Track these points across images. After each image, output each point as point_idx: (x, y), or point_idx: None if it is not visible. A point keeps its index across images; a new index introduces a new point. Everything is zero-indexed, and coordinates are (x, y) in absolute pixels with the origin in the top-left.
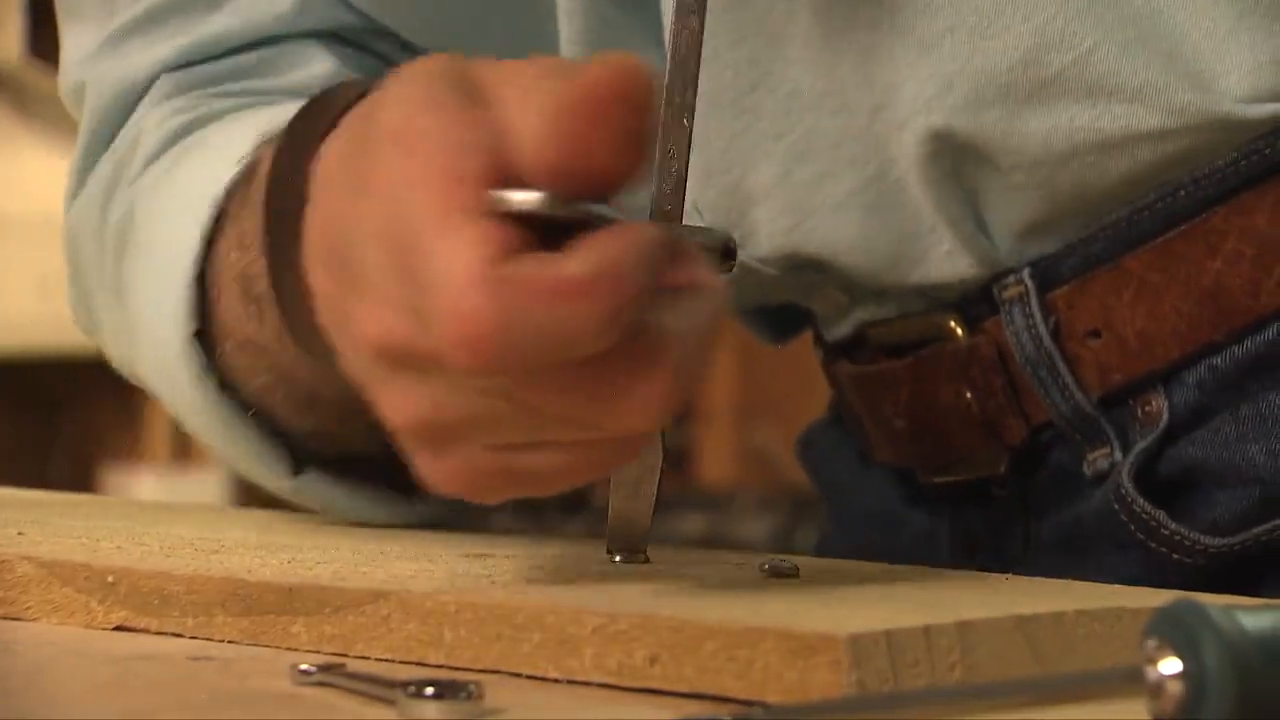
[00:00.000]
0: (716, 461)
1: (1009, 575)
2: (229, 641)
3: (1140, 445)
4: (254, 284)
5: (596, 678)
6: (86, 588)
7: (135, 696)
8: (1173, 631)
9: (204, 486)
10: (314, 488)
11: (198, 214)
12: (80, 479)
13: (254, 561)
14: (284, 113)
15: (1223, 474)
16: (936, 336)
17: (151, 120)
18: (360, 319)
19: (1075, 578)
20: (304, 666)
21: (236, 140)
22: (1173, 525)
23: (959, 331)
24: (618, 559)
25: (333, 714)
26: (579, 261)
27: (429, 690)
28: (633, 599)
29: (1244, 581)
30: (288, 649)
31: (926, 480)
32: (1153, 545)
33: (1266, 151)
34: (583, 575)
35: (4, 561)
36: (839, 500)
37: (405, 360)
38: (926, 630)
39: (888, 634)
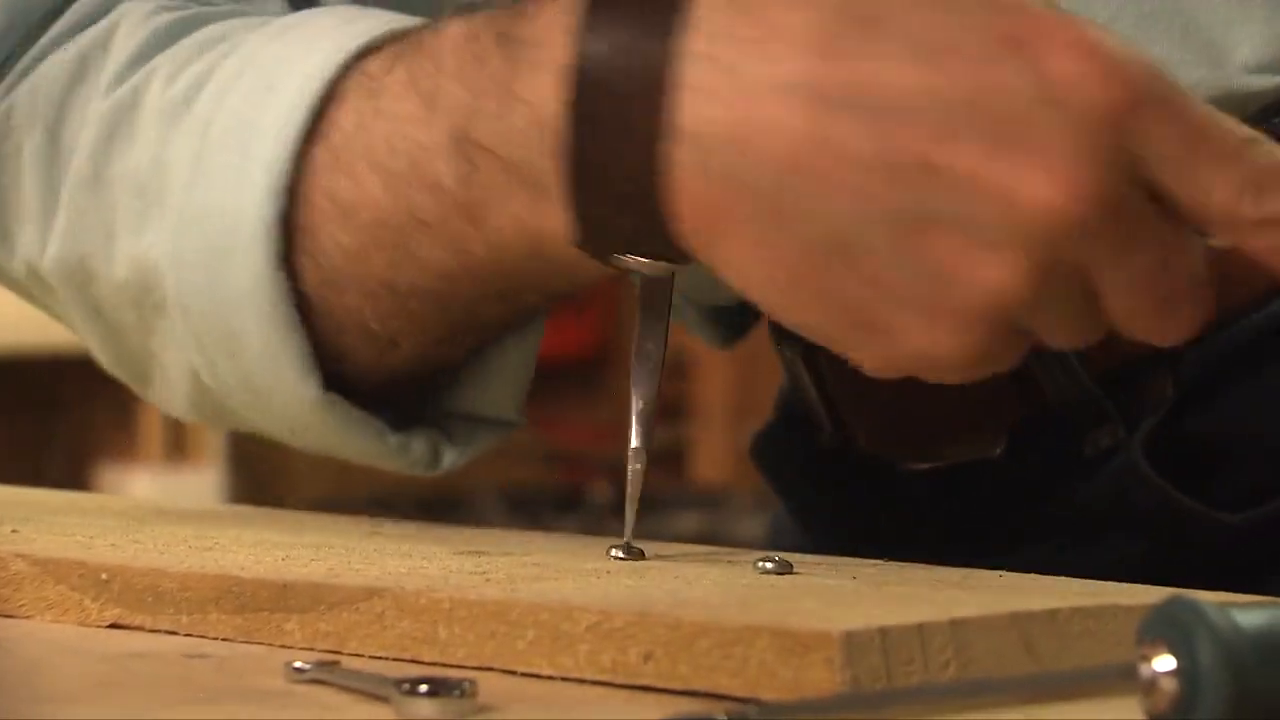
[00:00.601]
0: (711, 460)
1: (1003, 572)
2: (223, 639)
3: (1149, 421)
4: (468, 160)
5: (591, 675)
6: (80, 585)
7: (129, 694)
8: (1167, 629)
9: (199, 485)
10: (336, 410)
11: (310, 83)
12: (75, 478)
13: (248, 559)
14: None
15: (1241, 446)
16: None
17: (133, 13)
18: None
19: (1071, 568)
20: (298, 664)
21: (329, 30)
22: (1189, 502)
23: None
24: (617, 554)
25: (327, 712)
26: None
27: (423, 688)
28: (627, 596)
29: (1256, 565)
30: (282, 646)
31: (908, 469)
32: (1166, 525)
33: (1275, 120)
34: (577, 572)
35: None
36: (799, 503)
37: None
38: (920, 628)
39: (882, 631)
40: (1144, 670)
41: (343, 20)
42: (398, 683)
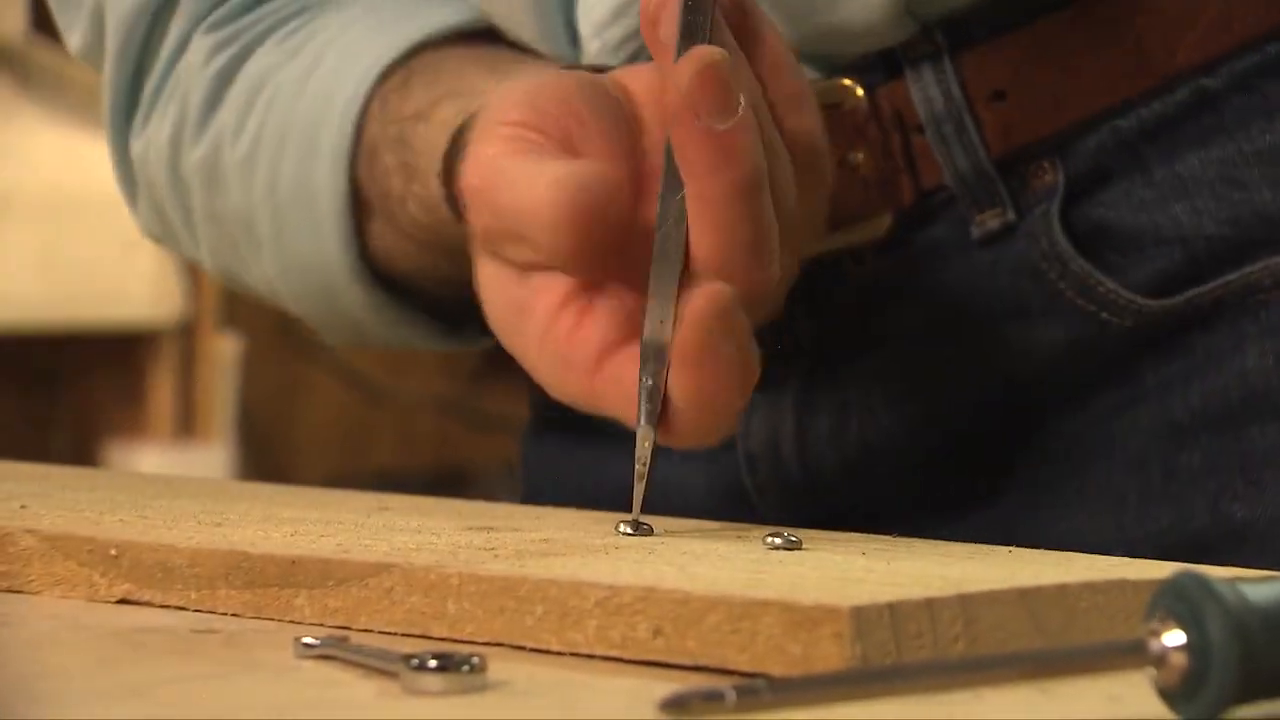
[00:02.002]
0: None
1: (1012, 548)
2: (232, 614)
3: (1041, 208)
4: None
5: (599, 650)
6: (90, 561)
7: (138, 669)
8: (1176, 604)
9: (207, 462)
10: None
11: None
12: (83, 455)
13: (257, 534)
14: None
15: (1140, 235)
16: (828, 101)
17: (195, 58)
18: None
19: (974, 363)
20: (307, 639)
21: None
22: (1110, 283)
23: (858, 91)
24: (626, 529)
25: (336, 687)
26: None
27: (432, 663)
28: (636, 572)
29: (1172, 346)
30: (291, 622)
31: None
32: (1083, 305)
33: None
34: (585, 548)
35: (7, 534)
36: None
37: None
38: (929, 603)
39: (891, 606)
40: (1153, 645)
41: (353, 53)
42: (406, 658)
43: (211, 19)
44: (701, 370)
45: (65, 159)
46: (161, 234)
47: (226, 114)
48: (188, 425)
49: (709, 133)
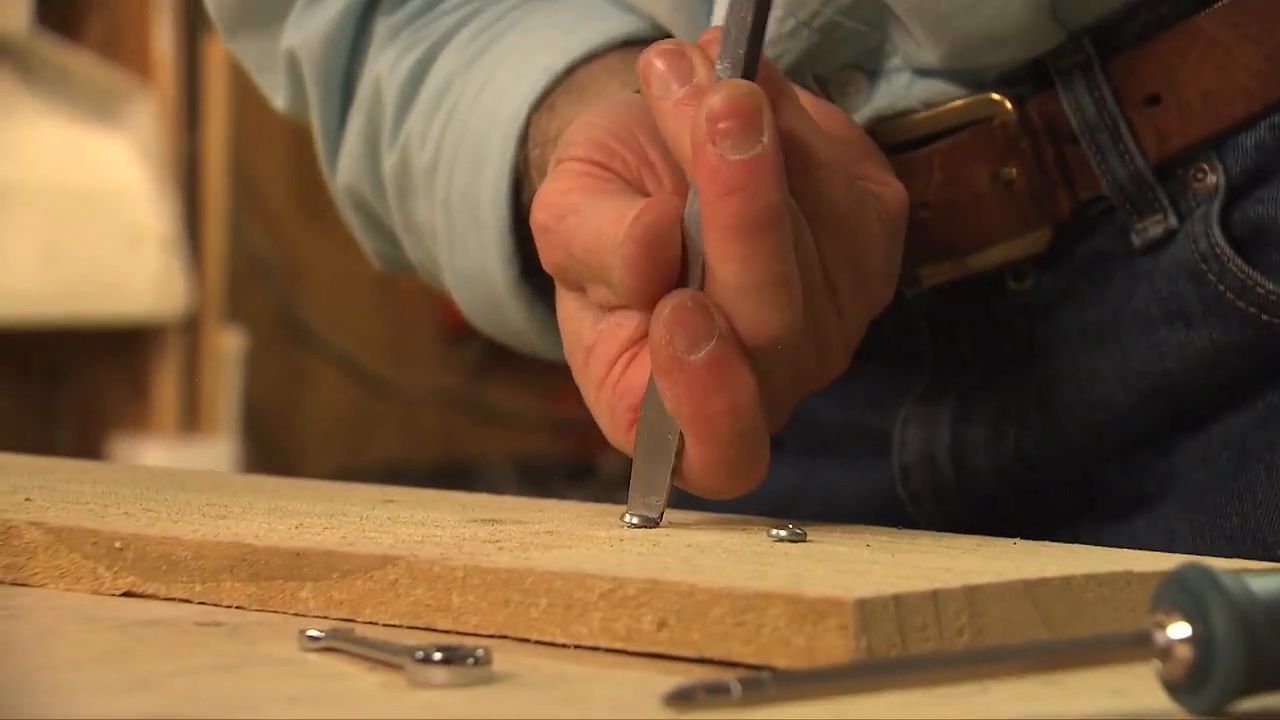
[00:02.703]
0: None
1: (1018, 540)
2: (237, 607)
3: (1201, 210)
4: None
5: (604, 643)
6: (94, 553)
7: (143, 662)
8: (1181, 596)
9: (212, 456)
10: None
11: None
12: (87, 450)
13: (261, 527)
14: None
15: None
16: (978, 116)
17: (383, 66)
18: None
19: (1107, 368)
20: (312, 632)
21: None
22: (1269, 284)
23: (1007, 105)
24: (632, 520)
25: (340, 679)
26: None
27: (437, 655)
28: (640, 564)
29: None
30: (295, 614)
31: (928, 281)
32: (1243, 306)
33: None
34: (590, 540)
35: (12, 527)
36: None
37: None
38: (935, 595)
39: (896, 598)
40: (1159, 637)
41: (521, 69)
42: (411, 650)
43: (391, 21)
44: (675, 385)
45: (69, 153)
46: (392, 256)
47: (415, 120)
48: (192, 419)
49: (722, 160)
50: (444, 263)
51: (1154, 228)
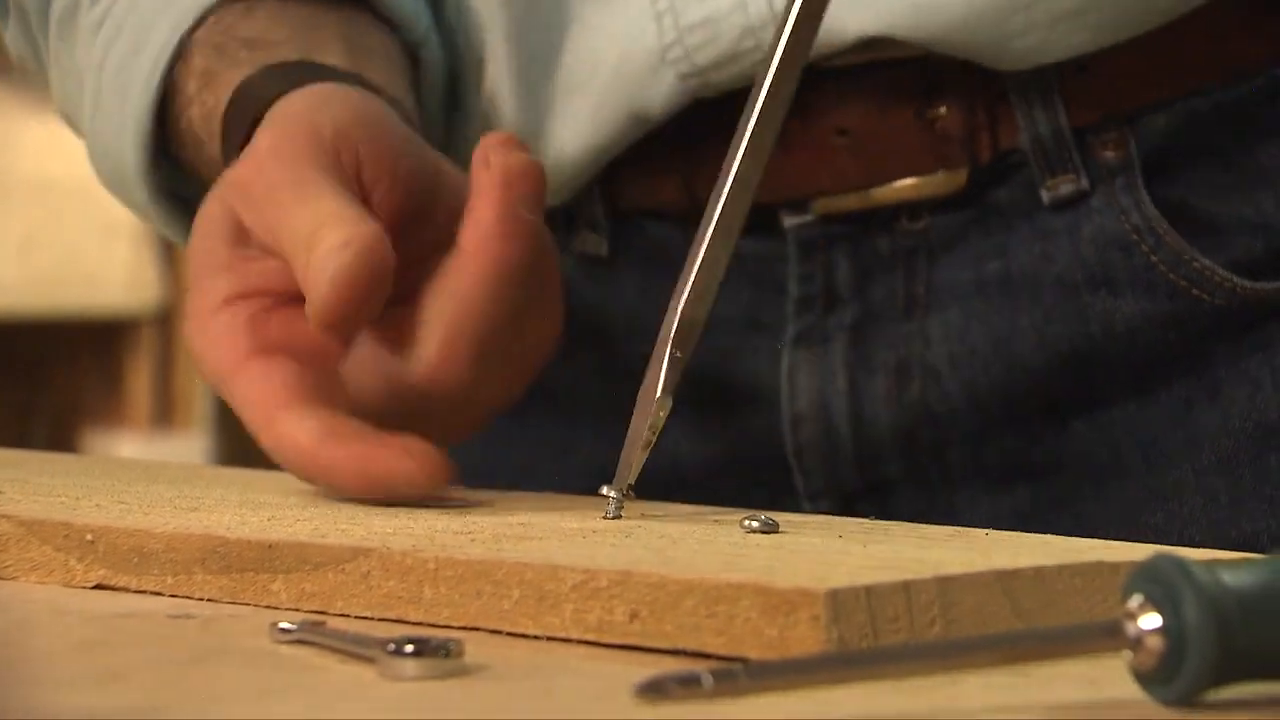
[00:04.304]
0: None
1: (989, 531)
2: (208, 599)
3: (1121, 180)
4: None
5: (576, 634)
6: (65, 546)
7: (114, 654)
8: (1152, 586)
9: (185, 450)
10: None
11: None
12: (61, 442)
13: (233, 519)
14: None
15: (1225, 220)
16: (915, 54)
17: None
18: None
19: (1022, 328)
20: (284, 624)
21: None
22: (1204, 259)
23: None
24: (609, 494)
25: (312, 672)
26: None
27: (409, 647)
28: (612, 555)
29: (1260, 338)
30: (267, 607)
31: (819, 210)
32: (1175, 279)
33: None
34: (563, 532)
35: None
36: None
37: None
38: (906, 586)
39: (868, 589)
40: (1130, 628)
41: None
42: (383, 642)
43: None
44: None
45: (47, 146)
46: (29, 56)
47: None
48: (166, 413)
49: (517, 211)
50: (85, 120)
51: (1065, 186)
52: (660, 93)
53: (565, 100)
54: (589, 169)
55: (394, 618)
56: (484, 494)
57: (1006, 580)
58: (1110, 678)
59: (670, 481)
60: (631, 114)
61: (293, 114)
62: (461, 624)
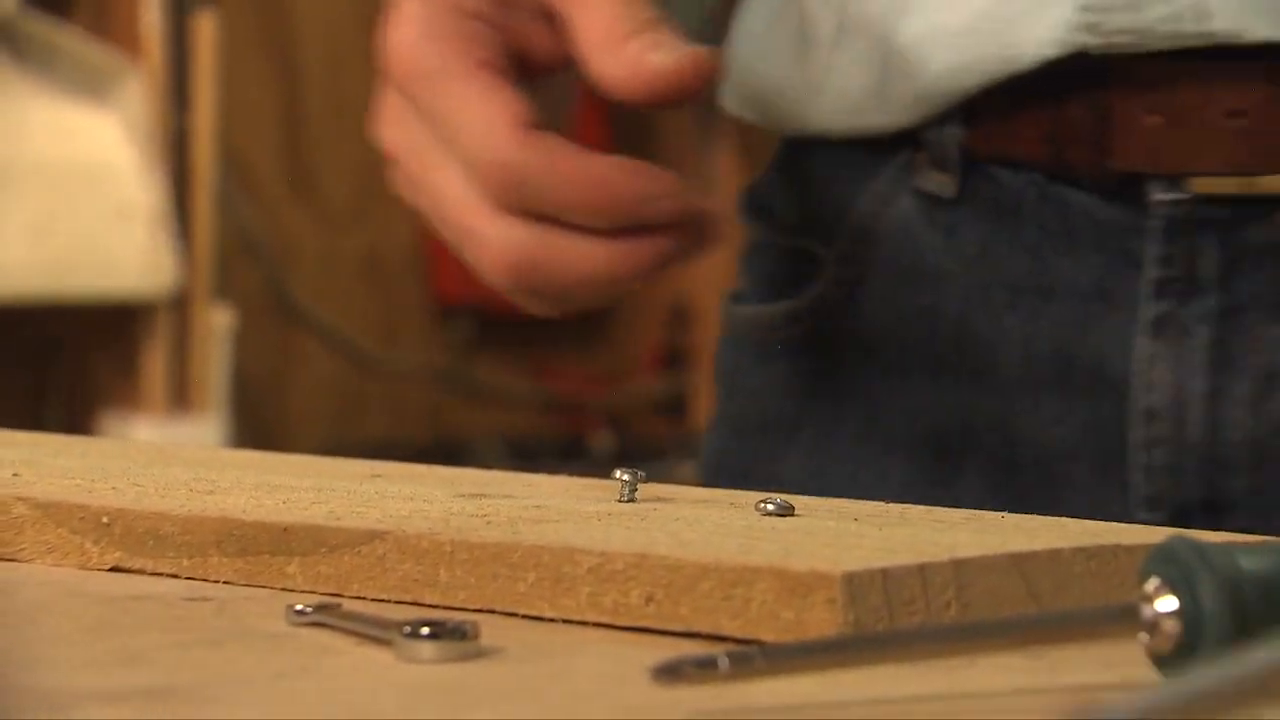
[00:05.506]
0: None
1: (1005, 514)
2: (224, 582)
3: None
4: None
5: (592, 617)
6: (81, 529)
7: (130, 636)
8: (1169, 569)
9: (201, 434)
10: None
11: None
12: (76, 427)
13: (249, 502)
14: None
15: None
16: None
17: None
18: None
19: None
20: (299, 607)
21: None
22: None
23: None
24: (623, 477)
25: (328, 654)
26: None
27: (425, 630)
28: (628, 538)
29: None
30: (283, 589)
31: (1200, 189)
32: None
33: None
34: (578, 515)
35: None
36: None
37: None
38: (922, 568)
39: (884, 572)
40: (1146, 611)
41: None
42: (399, 625)
43: None
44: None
45: (58, 130)
46: None
47: None
48: (181, 397)
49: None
50: None
51: None
52: (1045, 25)
53: (939, 4)
54: (945, 95)
55: (410, 600)
56: (499, 476)
57: (1022, 563)
58: (1126, 661)
59: (999, 448)
60: (1002, 47)
61: None
62: (477, 606)
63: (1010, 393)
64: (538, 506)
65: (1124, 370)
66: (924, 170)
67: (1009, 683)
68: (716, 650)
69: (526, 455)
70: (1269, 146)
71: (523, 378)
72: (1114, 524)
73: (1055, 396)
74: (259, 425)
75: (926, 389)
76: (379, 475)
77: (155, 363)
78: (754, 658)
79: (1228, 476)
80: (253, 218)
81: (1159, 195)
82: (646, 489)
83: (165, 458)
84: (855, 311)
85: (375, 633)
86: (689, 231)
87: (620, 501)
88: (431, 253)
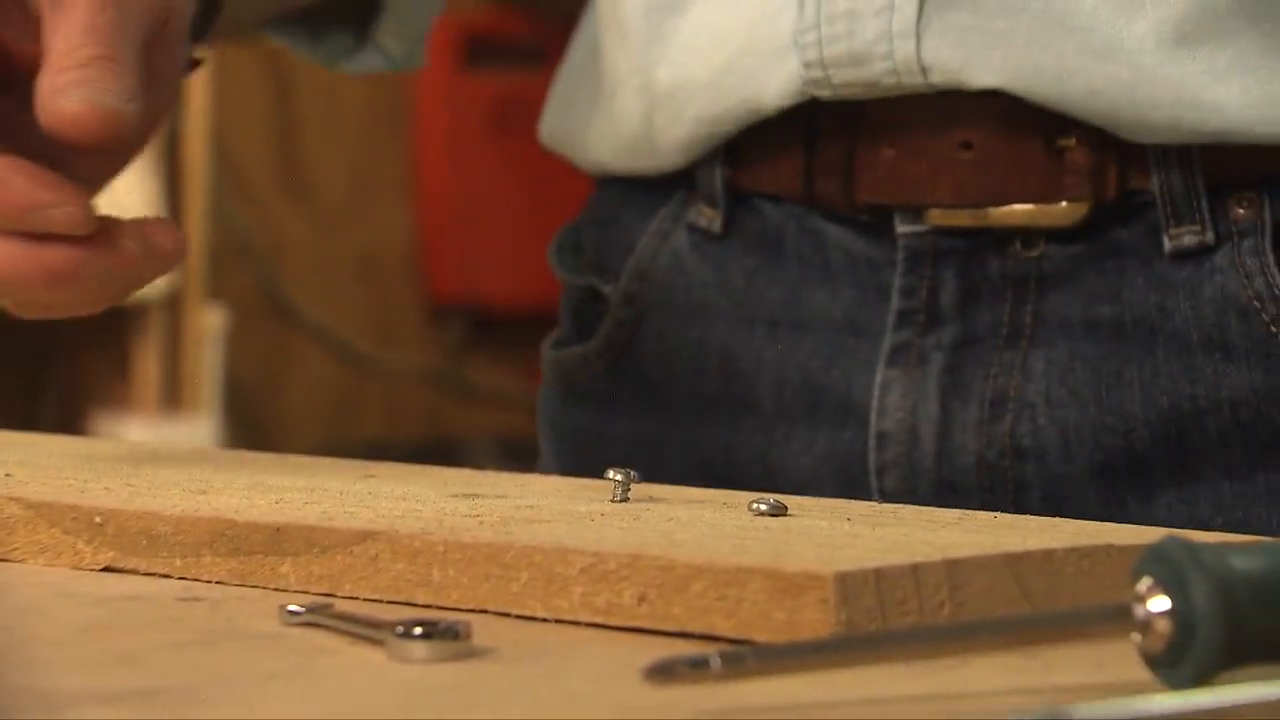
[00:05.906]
0: None
1: (997, 514)
2: (217, 582)
3: (1248, 242)
4: None
5: (585, 617)
6: (74, 529)
7: (123, 637)
8: (1161, 569)
9: (194, 434)
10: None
11: None
12: (70, 427)
13: (242, 502)
14: None
15: None
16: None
17: None
18: None
19: (1128, 377)
20: (292, 607)
21: None
22: None
23: None
24: (616, 478)
25: (321, 654)
26: None
27: (417, 630)
28: (621, 538)
29: None
30: (276, 589)
31: (934, 221)
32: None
33: None
34: (571, 515)
35: None
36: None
37: None
38: (915, 568)
39: (876, 572)
40: (1138, 610)
41: None
42: (392, 625)
43: None
44: None
45: None
46: None
47: None
48: (174, 397)
49: None
50: None
51: (1189, 237)
52: (778, 80)
53: (688, 59)
54: (703, 141)
55: (402, 600)
56: (492, 477)
57: (1015, 563)
58: (1119, 661)
59: (759, 481)
60: (744, 99)
61: None
62: (470, 606)
63: (768, 425)
64: (531, 506)
65: (867, 399)
66: (696, 206)
67: (1002, 683)
68: (709, 650)
69: (520, 455)
70: (998, 178)
71: (517, 378)
72: (1107, 524)
73: (804, 427)
74: (252, 425)
75: (696, 424)
76: (372, 476)
77: (148, 363)
78: (746, 658)
79: (958, 499)
80: (245, 218)
81: (902, 228)
82: (639, 489)
83: (158, 458)
84: (635, 351)
85: (368, 633)
86: (119, 248)
87: (613, 502)
88: (426, 253)
